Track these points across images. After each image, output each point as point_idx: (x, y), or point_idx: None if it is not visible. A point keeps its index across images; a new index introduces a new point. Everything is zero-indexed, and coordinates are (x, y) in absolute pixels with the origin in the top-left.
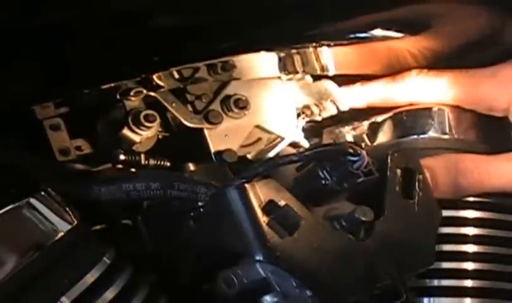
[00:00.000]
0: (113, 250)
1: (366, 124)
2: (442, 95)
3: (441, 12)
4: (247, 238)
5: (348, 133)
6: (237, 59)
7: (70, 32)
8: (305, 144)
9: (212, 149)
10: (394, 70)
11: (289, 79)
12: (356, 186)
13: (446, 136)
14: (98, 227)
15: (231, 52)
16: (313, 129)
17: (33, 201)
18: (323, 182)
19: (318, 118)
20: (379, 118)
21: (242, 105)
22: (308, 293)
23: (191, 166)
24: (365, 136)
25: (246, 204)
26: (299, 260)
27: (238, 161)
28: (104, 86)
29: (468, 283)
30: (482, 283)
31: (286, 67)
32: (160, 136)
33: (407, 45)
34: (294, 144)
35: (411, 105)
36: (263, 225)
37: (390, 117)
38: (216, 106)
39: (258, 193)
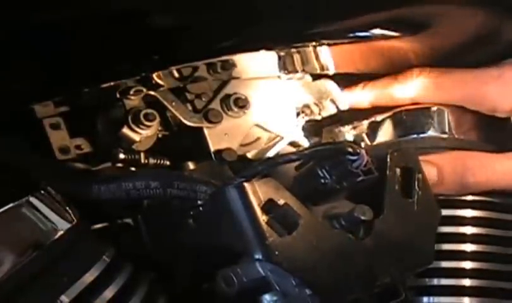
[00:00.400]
0: (112, 249)
1: (365, 123)
2: (444, 94)
3: (440, 12)
4: (246, 237)
5: (348, 132)
6: (237, 58)
7: (70, 31)
8: (305, 143)
9: (212, 148)
10: (395, 69)
11: (289, 79)
12: (355, 185)
13: (446, 136)
14: (97, 226)
15: (230, 51)
16: (313, 128)
17: (32, 199)
18: (322, 181)
19: (318, 118)
20: (379, 118)
21: (242, 104)
22: (308, 292)
23: (191, 166)
24: (364, 135)
25: (246, 203)
26: (299, 259)
27: (238, 160)
28: (104, 85)
29: (467, 282)
30: (481, 282)
31: (285, 66)
32: (159, 135)
33: (407, 44)
34: (293, 144)
35: (412, 104)
36: (263, 223)
37: (390, 117)
38: (216, 105)
39: (258, 192)
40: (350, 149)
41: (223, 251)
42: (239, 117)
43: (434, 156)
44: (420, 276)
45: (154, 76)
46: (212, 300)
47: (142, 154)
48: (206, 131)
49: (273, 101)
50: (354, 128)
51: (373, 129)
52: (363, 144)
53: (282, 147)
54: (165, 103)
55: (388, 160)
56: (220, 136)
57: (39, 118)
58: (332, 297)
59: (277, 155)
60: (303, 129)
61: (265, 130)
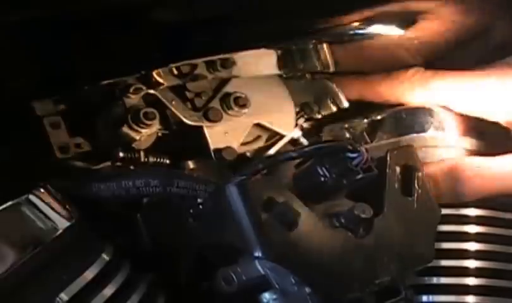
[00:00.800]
0: (112, 247)
1: (365, 122)
2: (438, 95)
3: (433, 9)
4: (246, 235)
5: (348, 131)
6: (236, 56)
7: (69, 28)
8: (304, 142)
9: (212, 147)
10: (395, 67)
11: (289, 77)
12: (355, 183)
13: (446, 135)
14: (97, 224)
15: (230, 49)
16: (313, 127)
17: (32, 197)
18: (322, 179)
19: (318, 116)
20: (378, 116)
21: (242, 103)
22: (307, 290)
23: (191, 164)
24: (364, 134)
25: (246, 201)
26: (298, 257)
27: (237, 159)
28: (104, 83)
29: (468, 281)
30: (482, 281)
31: (285, 65)
32: (159, 134)
33: (406, 42)
34: (293, 142)
35: (408, 103)
36: (263, 221)
37: (389, 115)
38: (216, 104)
39: (258, 190)
40: (350, 147)
41: (223, 249)
42: (239, 115)
43: (429, 167)
44: (419, 274)
45: (154, 73)
46: (211, 298)
47: (142, 153)
48: (206, 130)
49: (273, 100)
50: (354, 127)
51: (373, 127)
52: (362, 143)
53: (282, 146)
54: (165, 101)
55: (388, 158)
56: (220, 135)
57: (39, 116)
58: (332, 295)
59: (277, 153)
60: (303, 128)
61: (265, 129)
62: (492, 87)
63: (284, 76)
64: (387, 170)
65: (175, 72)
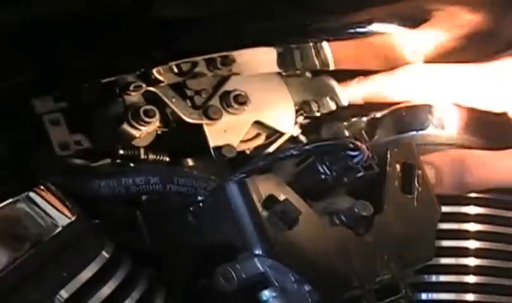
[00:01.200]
0: (112, 245)
1: (365, 120)
2: (438, 91)
3: (440, 6)
4: (247, 232)
5: (347, 129)
6: (236, 54)
7: (69, 25)
8: (304, 140)
9: (211, 145)
10: (395, 65)
11: (289, 75)
12: (355, 181)
13: (445, 132)
14: (97, 221)
15: (230, 47)
16: (312, 125)
17: (32, 195)
18: (323, 176)
19: (317, 114)
20: (378, 114)
21: (241, 100)
22: (307, 288)
23: (190, 162)
24: (363, 132)
25: (246, 198)
26: (299, 254)
27: (237, 156)
28: (104, 81)
29: (467, 279)
30: (481, 278)
31: (285, 62)
32: (159, 131)
33: (407, 40)
34: (292, 140)
35: (408, 101)
36: (263, 219)
37: (389, 113)
38: (215, 101)
39: (258, 188)
40: (351, 145)
41: (223, 247)
42: (238, 113)
43: (432, 157)
44: (418, 272)
45: (154, 71)
46: (211, 296)
47: (142, 150)
48: (205, 127)
49: (273, 98)
50: (353, 125)
51: (373, 125)
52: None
53: (281, 143)
54: (165, 99)
55: (388, 156)
56: (220, 133)
57: (39, 113)
58: (332, 293)
59: (278, 151)
60: (302, 126)
61: (265, 126)
62: (493, 81)
63: (284, 73)
64: (387, 168)
65: (175, 70)
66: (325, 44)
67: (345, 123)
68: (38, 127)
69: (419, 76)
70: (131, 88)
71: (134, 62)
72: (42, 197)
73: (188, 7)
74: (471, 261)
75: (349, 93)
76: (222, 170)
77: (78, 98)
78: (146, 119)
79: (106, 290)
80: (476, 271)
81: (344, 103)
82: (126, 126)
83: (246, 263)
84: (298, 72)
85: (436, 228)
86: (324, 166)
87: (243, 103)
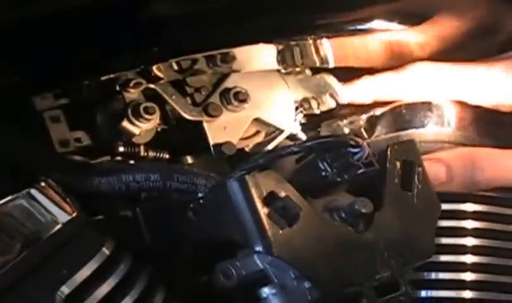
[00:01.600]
0: (112, 242)
1: (364, 117)
2: (446, 89)
3: (443, 3)
4: (247, 229)
5: (346, 127)
6: (236, 51)
7: (69, 22)
8: (303, 137)
9: (211, 142)
10: (396, 62)
11: (289, 73)
12: (356, 178)
13: (445, 130)
14: (97, 218)
15: (230, 44)
16: (312, 123)
17: (33, 191)
18: (323, 173)
19: (317, 112)
20: (378, 112)
21: (241, 97)
22: (307, 285)
23: (190, 159)
24: (363, 130)
25: (247, 195)
26: (299, 251)
27: (237, 153)
28: (103, 78)
29: (466, 276)
30: (480, 276)
31: (285, 60)
32: (159, 129)
33: (408, 36)
34: (292, 137)
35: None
36: (263, 216)
37: (389, 111)
38: (215, 99)
39: (259, 184)
40: (352, 142)
41: (223, 244)
42: (238, 110)
43: (442, 154)
44: (418, 269)
45: (154, 68)
46: (211, 293)
47: (142, 148)
48: (205, 125)
49: (273, 95)
50: (353, 122)
51: (372, 123)
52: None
53: (281, 141)
54: (165, 96)
55: (388, 152)
56: (220, 130)
57: (39, 110)
58: (332, 290)
59: (278, 148)
60: (302, 123)
61: (265, 124)
62: (496, 78)
63: (284, 71)
64: (388, 165)
65: (175, 67)
66: (325, 41)
67: (345, 121)
68: (38, 124)
69: (424, 74)
70: (131, 85)
71: (133, 59)
72: (43, 193)
73: (187, 4)
74: (470, 259)
75: (352, 92)
76: (222, 167)
77: (78, 95)
78: (146, 116)
79: (106, 287)
80: (476, 268)
81: (344, 100)
82: (126, 123)
83: (246, 260)
84: (297, 69)
85: (436, 226)
86: (324, 163)
87: (243, 101)
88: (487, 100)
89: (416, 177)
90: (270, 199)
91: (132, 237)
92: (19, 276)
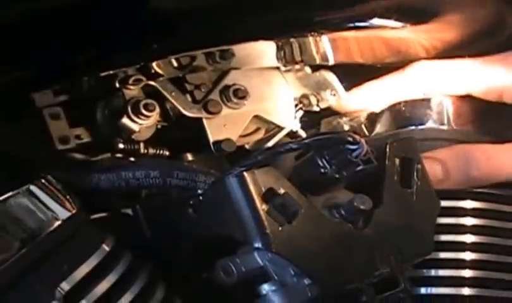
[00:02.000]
0: (112, 238)
1: (364, 114)
2: (452, 86)
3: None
4: (246, 226)
5: (346, 124)
6: (236, 48)
7: (68, 18)
8: (303, 134)
9: (211, 139)
10: (396, 59)
11: (288, 70)
12: (355, 175)
13: (445, 127)
14: (97, 215)
15: (229, 40)
16: (312, 120)
17: (33, 188)
18: (322, 170)
19: (316, 109)
20: (377, 110)
21: (241, 94)
22: (306, 281)
23: (190, 156)
24: (363, 127)
25: (246, 192)
26: (298, 248)
27: (237, 150)
28: (103, 74)
29: (465, 273)
30: (479, 273)
31: (285, 57)
32: (159, 126)
33: (408, 34)
34: (292, 135)
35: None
36: (263, 213)
37: (388, 108)
38: (215, 96)
39: (258, 181)
40: (350, 139)
41: (223, 240)
42: (238, 107)
43: (437, 152)
44: (417, 266)
45: (153, 65)
46: (210, 289)
47: (141, 145)
48: (205, 122)
49: (272, 92)
50: (352, 120)
51: (372, 120)
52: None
53: (280, 138)
54: (165, 93)
55: (387, 150)
56: (220, 127)
57: (39, 107)
58: (331, 286)
59: (277, 145)
60: (302, 120)
61: (265, 121)
62: (497, 74)
63: (283, 68)
64: (387, 162)
65: (174, 64)
66: (324, 39)
67: (344, 118)
68: (38, 122)
69: (424, 74)
70: (131, 81)
71: (133, 55)
72: (43, 190)
73: (186, 0)
74: (470, 256)
75: (358, 99)
76: (222, 164)
77: (78, 92)
78: (146, 113)
79: (106, 284)
80: (475, 265)
81: (344, 97)
82: (125, 120)
83: (245, 257)
84: (297, 66)
85: (435, 223)
86: (323, 160)
87: (243, 98)
88: (490, 93)
89: (415, 174)
90: (269, 196)
91: (132, 233)
92: (19, 272)
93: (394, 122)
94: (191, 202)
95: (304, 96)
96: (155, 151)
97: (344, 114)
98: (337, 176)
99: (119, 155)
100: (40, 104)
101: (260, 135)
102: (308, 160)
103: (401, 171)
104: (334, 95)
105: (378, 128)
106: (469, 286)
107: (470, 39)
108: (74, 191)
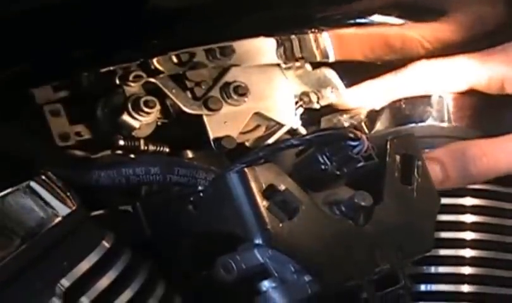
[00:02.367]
0: (112, 235)
1: (364, 112)
2: (452, 83)
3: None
4: (247, 222)
5: (346, 121)
6: (236, 45)
7: (68, 14)
8: (303, 131)
9: (211, 136)
10: (396, 57)
11: (289, 67)
12: (355, 171)
13: (445, 124)
14: (97, 212)
15: (229, 36)
16: (312, 117)
17: (33, 184)
18: (323, 167)
19: (317, 106)
20: (377, 107)
21: (241, 92)
22: (306, 278)
23: (189, 153)
24: (363, 124)
25: (246, 188)
26: (299, 244)
27: (237, 147)
28: (103, 70)
29: (465, 270)
30: (479, 270)
31: (285, 54)
32: (159, 122)
33: (409, 31)
34: (292, 132)
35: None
36: (263, 209)
37: (388, 106)
38: (215, 93)
39: (259, 177)
40: (351, 135)
41: (223, 237)
42: (238, 104)
43: (435, 153)
44: (417, 263)
45: (154, 61)
46: (211, 287)
47: (142, 141)
48: (206, 119)
49: (273, 89)
50: (352, 117)
51: (372, 118)
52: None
53: (281, 135)
54: (165, 90)
55: (388, 146)
56: (220, 124)
57: (39, 104)
58: (332, 283)
59: (278, 141)
60: (302, 117)
61: (265, 118)
62: (497, 66)
63: (284, 65)
64: (387, 159)
65: (175, 60)
66: (325, 36)
67: (345, 115)
68: (38, 118)
69: (427, 72)
70: (131, 78)
71: (133, 51)
72: (43, 186)
73: None
74: (470, 253)
75: (358, 97)
76: (222, 161)
77: (78, 88)
78: (147, 110)
79: (106, 280)
80: (475, 262)
81: (344, 95)
82: (126, 117)
83: (246, 254)
84: (297, 63)
85: (436, 220)
86: (324, 157)
87: (243, 95)
88: (492, 85)
89: (415, 171)
90: (269, 192)
91: (132, 230)
92: (19, 269)
93: (394, 120)
94: (192, 198)
95: (305, 93)
96: (155, 148)
97: (345, 111)
98: (337, 172)
99: (119, 152)
100: (40, 101)
101: (260, 132)
102: (309, 156)
103: (401, 168)
104: (335, 92)
105: (379, 125)
106: (469, 283)
107: (475, 38)
108: (75, 188)
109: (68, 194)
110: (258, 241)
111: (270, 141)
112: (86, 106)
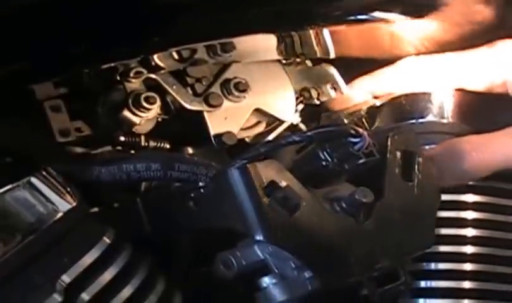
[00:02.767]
0: (113, 231)
1: (364, 108)
2: (443, 79)
3: None
4: (248, 218)
5: (346, 118)
6: (237, 41)
7: (68, 10)
8: (304, 127)
9: (212, 132)
10: (396, 53)
11: (289, 63)
12: (356, 167)
13: (445, 120)
14: (98, 208)
15: (230, 33)
16: (312, 113)
17: (34, 180)
18: (324, 163)
19: (317, 102)
20: (378, 103)
21: (242, 88)
22: (307, 274)
23: (190, 149)
24: (363, 120)
25: (248, 184)
26: (299, 240)
27: (237, 144)
28: (104, 67)
29: (466, 266)
30: (480, 266)
31: (286, 50)
32: (160, 119)
33: (410, 28)
34: (292, 128)
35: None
36: (264, 205)
37: (389, 102)
38: (216, 89)
39: (260, 174)
40: (352, 132)
41: (224, 233)
42: (239, 101)
43: (429, 151)
44: (418, 260)
45: (154, 58)
46: (211, 282)
47: (142, 137)
48: (206, 115)
49: (273, 85)
50: (353, 113)
51: (372, 114)
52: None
53: (281, 131)
54: (166, 86)
55: (388, 143)
56: (221, 120)
57: (40, 100)
58: (332, 280)
59: (279, 137)
60: (302, 114)
61: (265, 114)
62: (495, 64)
63: (284, 61)
64: (388, 155)
65: (175, 56)
66: (325, 32)
67: (345, 111)
68: (38, 114)
69: (421, 68)
70: (132, 74)
71: (134, 47)
72: (43, 182)
73: None
74: (470, 249)
75: (351, 90)
76: (222, 157)
77: (79, 84)
78: (147, 106)
79: (107, 276)
80: (475, 259)
81: (345, 91)
82: (126, 113)
83: (246, 250)
84: (298, 60)
85: (436, 216)
86: (325, 153)
87: (244, 91)
88: (481, 82)
89: (416, 167)
90: (271, 188)
91: (132, 226)
92: (20, 264)
93: (394, 116)
94: (192, 195)
95: (305, 89)
96: (155, 144)
97: (345, 108)
98: (338, 169)
99: (119, 148)
100: (40, 96)
101: (260, 128)
102: (310, 152)
103: (402, 164)
104: (335, 88)
105: (379, 122)
106: (469, 279)
107: (470, 36)
108: (75, 184)
109: (69, 190)
110: (259, 237)
111: (271, 137)
112: (87, 103)
